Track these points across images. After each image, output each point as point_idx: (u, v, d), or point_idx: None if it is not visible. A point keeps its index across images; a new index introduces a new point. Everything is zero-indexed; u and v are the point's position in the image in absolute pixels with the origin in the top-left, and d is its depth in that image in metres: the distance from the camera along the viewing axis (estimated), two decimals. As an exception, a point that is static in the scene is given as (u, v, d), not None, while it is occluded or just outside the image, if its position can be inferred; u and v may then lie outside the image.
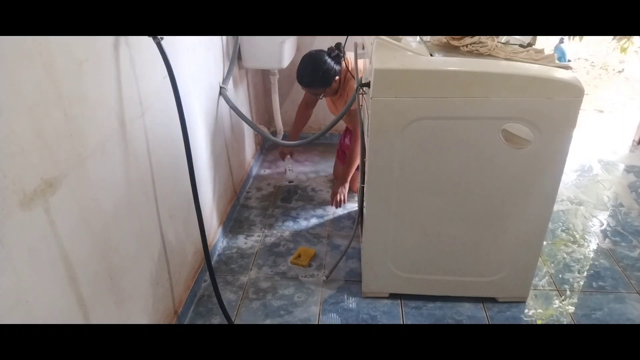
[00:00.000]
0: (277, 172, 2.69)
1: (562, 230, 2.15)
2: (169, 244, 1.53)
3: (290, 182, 2.56)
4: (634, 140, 3.06)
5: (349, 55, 2.09)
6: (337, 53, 2.06)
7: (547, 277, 1.85)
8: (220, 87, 2.04)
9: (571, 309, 1.71)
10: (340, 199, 2.20)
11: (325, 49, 2.08)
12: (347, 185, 2.22)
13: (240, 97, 2.41)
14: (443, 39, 1.58)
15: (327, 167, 2.72)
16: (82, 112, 1.01)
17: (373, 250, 1.65)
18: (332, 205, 2.23)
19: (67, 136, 0.96)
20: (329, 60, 2.04)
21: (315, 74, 2.04)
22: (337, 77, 2.07)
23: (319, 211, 2.30)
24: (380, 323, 1.65)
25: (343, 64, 2.08)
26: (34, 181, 0.87)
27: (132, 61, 1.23)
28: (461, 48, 1.51)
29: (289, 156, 2.55)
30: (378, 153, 1.45)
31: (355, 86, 1.81)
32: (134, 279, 1.29)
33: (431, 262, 1.65)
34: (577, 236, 2.11)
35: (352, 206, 2.36)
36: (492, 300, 1.72)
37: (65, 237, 0.96)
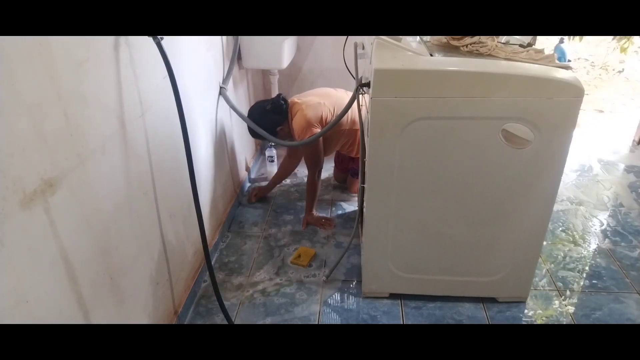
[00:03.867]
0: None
1: (562, 230, 2.15)
2: (169, 244, 1.53)
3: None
4: (634, 140, 3.07)
5: (295, 99, 2.13)
6: (270, 106, 2.08)
7: (547, 277, 1.85)
8: (220, 87, 2.04)
9: (571, 309, 1.71)
10: (305, 223, 2.21)
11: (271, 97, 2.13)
12: (312, 213, 2.22)
13: (240, 97, 2.41)
14: (443, 39, 1.58)
15: (327, 167, 2.71)
16: (82, 112, 1.01)
17: (373, 250, 1.65)
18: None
19: (67, 136, 0.96)
20: (267, 114, 2.08)
21: (255, 128, 2.08)
22: (279, 127, 2.10)
23: (319, 210, 2.29)
24: (380, 323, 1.65)
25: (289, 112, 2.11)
26: (34, 181, 0.87)
27: (132, 61, 1.23)
28: (461, 48, 1.52)
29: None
30: (378, 153, 1.45)
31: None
32: (134, 279, 1.29)
33: (431, 262, 1.65)
34: (577, 236, 2.11)
35: (353, 205, 2.36)
36: (492, 300, 1.72)
37: (65, 237, 0.96)
